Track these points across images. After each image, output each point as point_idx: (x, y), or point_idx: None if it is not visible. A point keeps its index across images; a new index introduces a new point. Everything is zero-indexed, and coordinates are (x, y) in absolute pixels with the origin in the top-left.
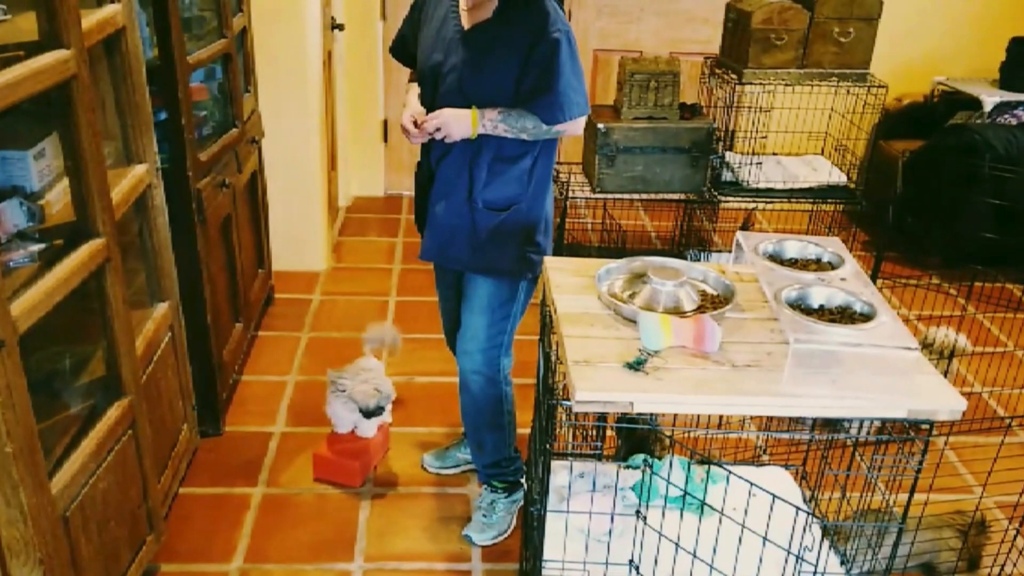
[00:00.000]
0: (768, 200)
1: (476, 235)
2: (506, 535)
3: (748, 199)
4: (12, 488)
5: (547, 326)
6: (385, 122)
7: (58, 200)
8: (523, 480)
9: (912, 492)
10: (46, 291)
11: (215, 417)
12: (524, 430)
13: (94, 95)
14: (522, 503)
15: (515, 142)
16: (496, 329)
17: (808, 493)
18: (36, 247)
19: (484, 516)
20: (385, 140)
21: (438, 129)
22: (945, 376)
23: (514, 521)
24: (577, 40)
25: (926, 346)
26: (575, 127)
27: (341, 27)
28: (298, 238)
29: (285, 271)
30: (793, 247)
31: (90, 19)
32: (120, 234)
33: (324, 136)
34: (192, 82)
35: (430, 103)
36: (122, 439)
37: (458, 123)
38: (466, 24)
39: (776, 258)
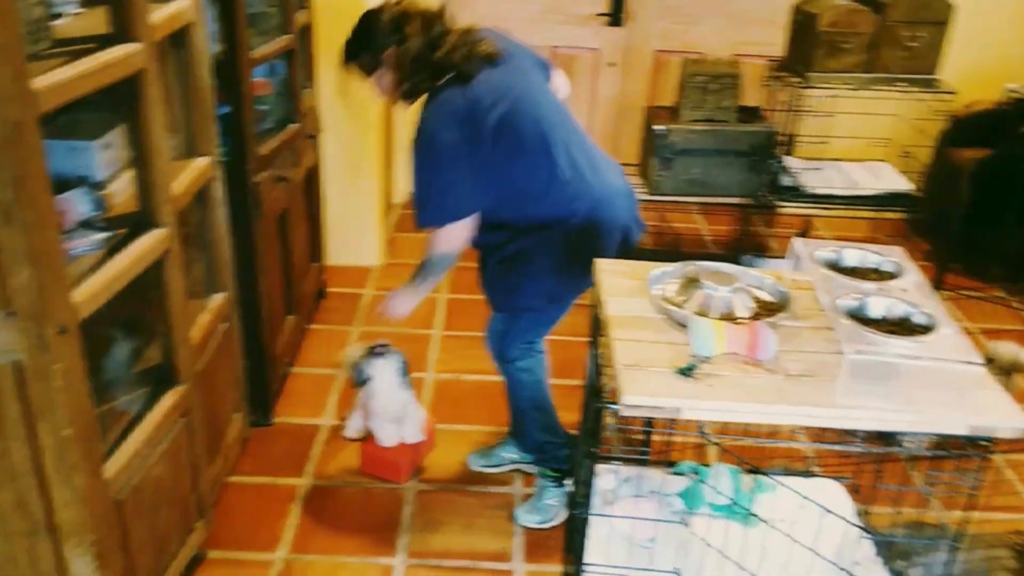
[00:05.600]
0: (828, 206)
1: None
2: (551, 523)
3: (807, 205)
4: (68, 471)
5: (597, 328)
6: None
7: (122, 190)
8: (568, 476)
9: (968, 509)
10: (107, 279)
11: (265, 408)
12: (575, 431)
13: (160, 89)
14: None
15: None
16: (508, 327)
17: (859, 507)
18: (100, 236)
19: (535, 500)
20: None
21: (385, 311)
22: (1008, 392)
23: (564, 513)
24: (638, 41)
25: (989, 361)
26: (436, 238)
27: None
28: (352, 233)
29: (339, 265)
30: (852, 255)
31: (159, 14)
32: (180, 225)
33: (381, 132)
34: (255, 77)
35: None
36: (175, 427)
37: (392, 298)
38: None
39: (835, 266)
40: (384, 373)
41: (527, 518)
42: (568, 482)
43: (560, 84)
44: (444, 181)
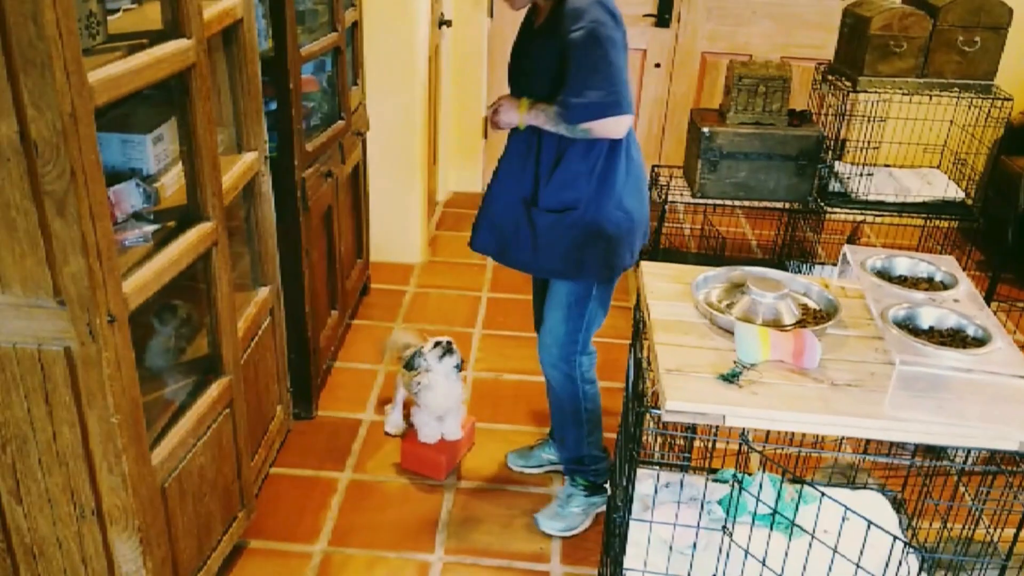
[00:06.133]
0: (878, 213)
1: (535, 237)
2: (575, 532)
3: (856, 211)
4: (116, 457)
5: (639, 331)
6: (486, 118)
7: (172, 183)
8: (606, 485)
9: (1020, 528)
10: (157, 271)
11: (308, 401)
12: (612, 434)
13: (210, 84)
14: (601, 508)
15: (573, 144)
16: (571, 326)
17: (906, 521)
18: (150, 228)
19: (559, 506)
20: (485, 136)
21: (496, 112)
22: None
23: (588, 523)
24: (686, 42)
25: None
26: (602, 128)
27: (449, 23)
28: (396, 230)
29: (382, 262)
30: (903, 264)
31: (210, 10)
32: (228, 219)
33: (426, 131)
34: (303, 74)
35: None
36: (220, 417)
37: (509, 107)
38: (534, 30)
39: (884, 274)
40: (444, 367)
41: (547, 524)
42: (597, 497)
43: None
44: (611, 68)
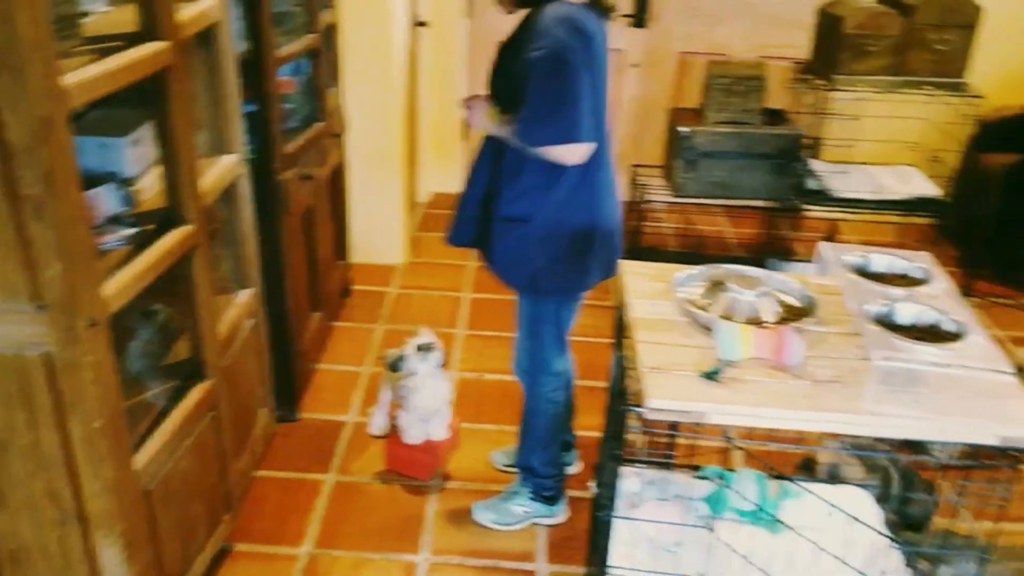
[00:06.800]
0: (855, 211)
1: (493, 243)
2: (504, 528)
3: (833, 209)
4: (98, 462)
5: (621, 330)
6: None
7: (151, 187)
8: (554, 506)
9: (998, 520)
10: (136, 274)
11: (292, 403)
12: (597, 433)
13: (187, 86)
14: (544, 521)
15: (536, 157)
16: (532, 344)
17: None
18: (128, 231)
19: (500, 499)
20: (465, 137)
21: (470, 109)
22: None
23: (521, 526)
24: (662, 42)
25: (1020, 369)
26: (557, 154)
27: (426, 24)
28: (377, 232)
29: (363, 263)
30: (880, 260)
31: (186, 12)
32: (208, 221)
33: (406, 132)
34: (280, 76)
35: None
36: (203, 420)
37: (480, 112)
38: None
39: (862, 271)
40: (430, 368)
41: (479, 512)
42: (543, 507)
43: None
44: (562, 95)
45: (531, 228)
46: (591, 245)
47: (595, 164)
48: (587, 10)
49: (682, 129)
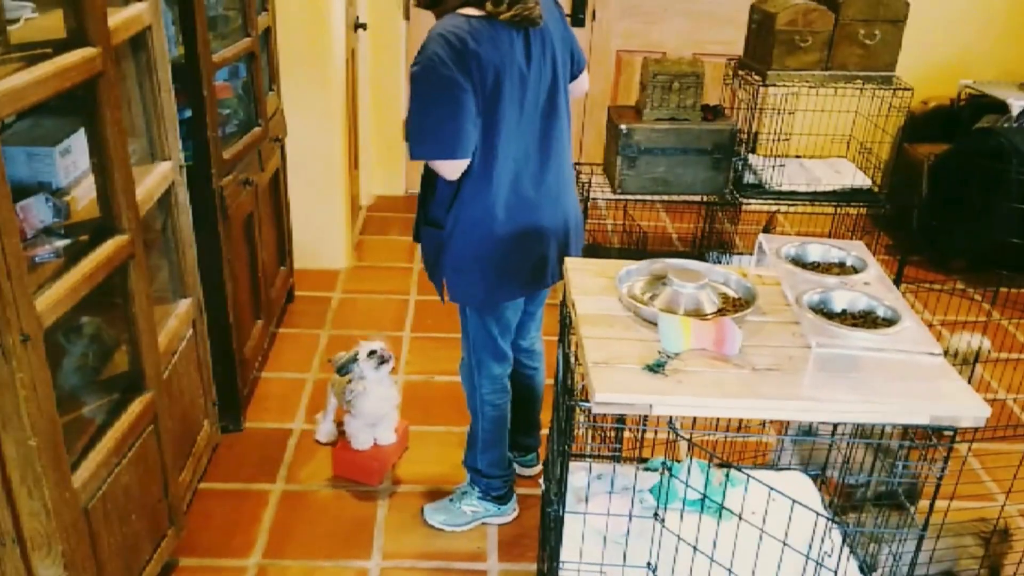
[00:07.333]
0: (791, 203)
1: (422, 246)
2: (454, 529)
3: (770, 201)
4: (35, 481)
5: (566, 327)
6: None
7: (84, 196)
8: (503, 506)
9: (934, 499)
10: (70, 286)
11: (236, 413)
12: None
13: (120, 93)
14: (492, 521)
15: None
16: (464, 347)
17: (828, 498)
18: (61, 243)
19: (450, 500)
20: (407, 139)
21: None
22: (969, 382)
23: (470, 526)
24: (601, 40)
25: (949, 352)
26: (434, 167)
27: (364, 27)
28: (320, 236)
29: (306, 269)
30: (816, 250)
31: (116, 17)
32: (144, 231)
33: (346, 135)
34: (216, 80)
35: None
36: (144, 434)
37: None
38: None
39: (798, 261)
40: (378, 374)
41: (432, 514)
42: (492, 506)
43: (581, 85)
44: (434, 111)
45: (443, 236)
46: (495, 260)
47: (496, 178)
48: (486, 23)
49: (622, 126)
